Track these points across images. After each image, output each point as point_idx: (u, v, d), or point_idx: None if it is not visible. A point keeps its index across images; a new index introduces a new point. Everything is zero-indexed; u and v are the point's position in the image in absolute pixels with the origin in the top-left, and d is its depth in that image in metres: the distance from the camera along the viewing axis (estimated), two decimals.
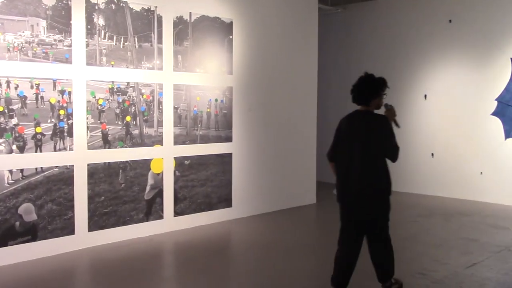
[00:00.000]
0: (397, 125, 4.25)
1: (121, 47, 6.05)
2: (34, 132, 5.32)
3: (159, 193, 6.43)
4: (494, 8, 8.59)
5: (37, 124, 5.35)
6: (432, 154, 9.39)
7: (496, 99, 8.58)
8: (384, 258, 4.28)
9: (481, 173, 8.78)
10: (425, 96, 9.42)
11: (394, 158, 4.09)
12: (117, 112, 6.04)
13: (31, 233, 5.30)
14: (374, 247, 4.27)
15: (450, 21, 9.11)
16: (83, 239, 5.70)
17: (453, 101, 9.11)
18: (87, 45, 5.71)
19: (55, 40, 5.45)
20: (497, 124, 8.56)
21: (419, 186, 9.55)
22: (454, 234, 6.59)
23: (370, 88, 4.17)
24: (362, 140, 4.08)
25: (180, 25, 6.58)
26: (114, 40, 5.98)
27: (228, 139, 7.22)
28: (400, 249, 5.42)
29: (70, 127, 5.59)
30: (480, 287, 4.60)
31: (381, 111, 4.31)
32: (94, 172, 5.79)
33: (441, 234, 6.61)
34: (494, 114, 8.60)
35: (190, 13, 6.68)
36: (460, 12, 8.98)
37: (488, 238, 6.33)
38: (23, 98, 5.26)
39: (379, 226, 4.21)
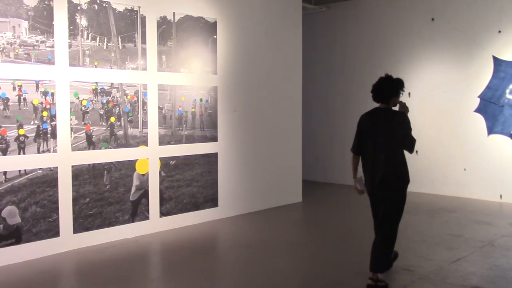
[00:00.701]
0: None
1: (105, 47, 6.01)
2: (17, 134, 5.27)
3: (145, 194, 6.41)
4: (476, 6, 8.70)
5: (20, 126, 5.30)
6: (417, 151, 9.46)
7: (478, 96, 8.68)
8: (380, 248, 4.55)
9: (465, 169, 8.88)
10: (409, 94, 9.49)
11: (412, 150, 4.62)
12: (101, 113, 6.00)
13: (15, 236, 5.24)
14: (378, 238, 4.60)
15: (432, 19, 9.20)
16: (68, 241, 5.66)
17: (436, 98, 9.20)
18: (70, 46, 5.66)
19: (37, 41, 5.40)
20: (480, 121, 8.67)
21: None
22: (438, 230, 6.66)
23: (391, 88, 4.63)
24: (385, 134, 4.54)
25: (164, 25, 6.56)
26: (98, 41, 5.94)
27: (214, 138, 7.22)
28: None
29: (54, 128, 5.55)
30: (464, 282, 4.65)
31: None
32: (79, 173, 5.75)
33: (426, 230, 6.67)
34: (476, 111, 8.71)
35: (174, 13, 6.66)
36: (443, 10, 9.07)
37: (472, 234, 6.41)
38: (5, 100, 5.20)
39: (390, 212, 4.54)
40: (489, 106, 8.57)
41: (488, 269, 5.02)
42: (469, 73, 8.81)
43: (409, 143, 4.59)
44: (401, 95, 4.72)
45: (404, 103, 4.82)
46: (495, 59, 8.48)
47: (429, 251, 5.63)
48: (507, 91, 8.38)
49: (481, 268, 5.05)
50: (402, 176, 4.56)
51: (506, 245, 5.87)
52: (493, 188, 8.54)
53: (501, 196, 8.50)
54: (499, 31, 8.45)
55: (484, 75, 8.61)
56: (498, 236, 6.28)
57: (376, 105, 4.77)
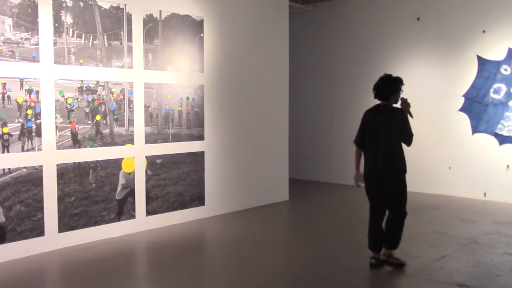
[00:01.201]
0: (411, 115, 5.11)
1: (90, 45, 5.97)
2: (0, 133, 5.21)
3: (131, 193, 6.37)
4: (461, 6, 8.78)
5: (4, 124, 5.24)
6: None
7: (463, 95, 8.77)
8: (393, 229, 5.03)
9: (450, 168, 8.96)
10: None
11: (409, 143, 4.99)
12: (87, 111, 5.96)
13: None
14: (389, 218, 5.06)
15: (418, 19, 9.27)
16: (53, 240, 5.62)
17: (421, 97, 9.26)
18: (55, 44, 5.62)
19: (21, 38, 5.34)
20: (465, 120, 8.76)
21: None
22: (423, 228, 6.72)
23: (389, 87, 5.00)
24: (384, 129, 4.91)
25: (150, 23, 6.53)
26: (83, 38, 5.89)
27: (200, 137, 7.20)
28: None
29: (38, 127, 5.50)
30: (448, 279, 4.70)
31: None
32: (64, 172, 5.71)
33: (411, 228, 6.70)
34: (461, 110, 8.79)
35: (160, 11, 6.63)
36: (428, 10, 9.14)
37: (456, 231, 6.47)
38: None
39: (396, 201, 4.98)
40: (473, 105, 8.66)
41: (472, 267, 5.07)
42: (454, 73, 8.89)
43: (407, 137, 4.96)
44: (401, 92, 5.06)
45: (406, 99, 5.14)
46: (480, 58, 8.57)
47: (414, 249, 5.68)
48: (491, 90, 8.47)
49: (465, 266, 5.11)
50: (399, 168, 4.96)
51: (490, 243, 5.94)
52: (477, 186, 8.64)
53: (485, 194, 8.60)
54: (484, 31, 8.53)
55: (469, 75, 8.69)
56: (482, 234, 6.35)
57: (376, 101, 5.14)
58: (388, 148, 4.91)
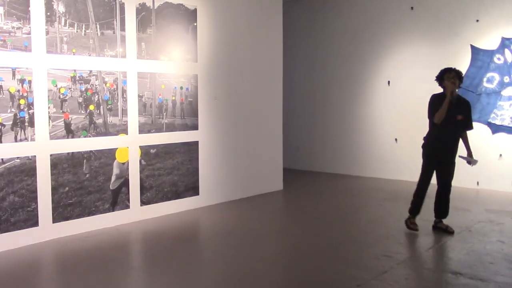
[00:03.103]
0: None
1: (83, 34, 5.92)
2: None
3: (125, 183, 6.36)
4: None
5: None
6: (396, 139, 9.58)
7: None
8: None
9: None
10: (389, 82, 9.57)
11: (436, 121, 6.01)
12: (80, 101, 5.93)
13: None
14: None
15: (412, 8, 9.27)
16: (48, 230, 5.60)
17: (415, 86, 9.28)
18: (47, 33, 5.56)
19: (13, 27, 5.29)
20: None
21: (384, 170, 9.73)
22: (417, 216, 6.74)
23: (437, 80, 6.03)
24: None
25: (143, 12, 6.48)
26: (75, 28, 5.84)
27: (194, 127, 7.19)
28: (365, 232, 5.55)
29: (31, 117, 5.46)
30: (442, 267, 4.74)
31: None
32: (58, 162, 5.68)
33: (404, 217, 6.75)
34: None
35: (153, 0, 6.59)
36: None
37: (449, 220, 6.50)
38: None
39: None
40: (466, 94, 8.66)
41: (465, 255, 5.11)
42: (447, 62, 8.84)
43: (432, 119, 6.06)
44: (448, 79, 5.81)
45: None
46: (473, 47, 8.59)
47: (407, 237, 5.72)
48: (484, 79, 8.50)
49: (458, 254, 5.14)
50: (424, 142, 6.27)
51: (482, 231, 5.99)
52: (470, 175, 8.67)
53: (478, 183, 8.65)
54: (477, 20, 8.54)
55: (462, 64, 8.69)
56: (475, 222, 6.40)
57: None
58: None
